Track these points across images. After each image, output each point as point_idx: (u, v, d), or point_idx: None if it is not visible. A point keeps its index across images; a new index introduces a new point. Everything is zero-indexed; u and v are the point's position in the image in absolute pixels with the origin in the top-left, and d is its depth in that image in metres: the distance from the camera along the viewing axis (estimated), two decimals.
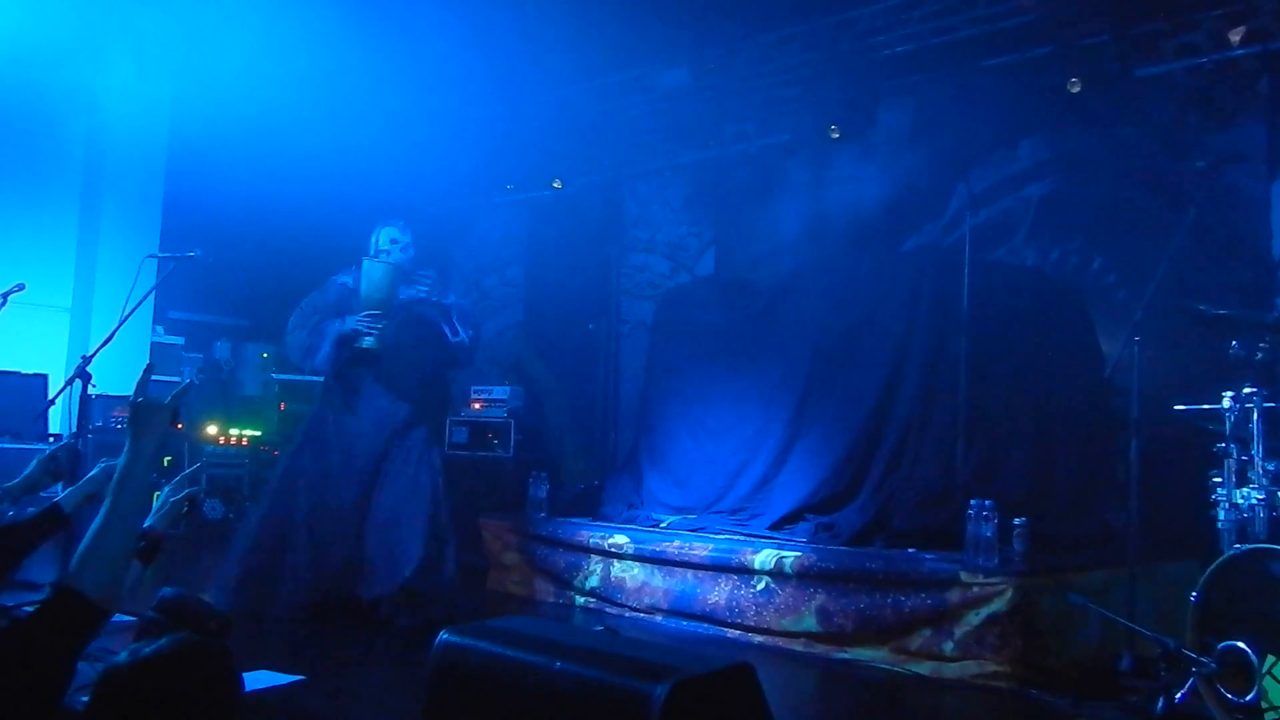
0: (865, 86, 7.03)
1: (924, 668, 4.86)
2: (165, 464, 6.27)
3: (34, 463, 3.10)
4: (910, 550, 5.54)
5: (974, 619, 4.74)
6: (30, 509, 2.98)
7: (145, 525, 2.40)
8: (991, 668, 4.66)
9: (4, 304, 5.93)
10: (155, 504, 2.49)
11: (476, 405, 8.24)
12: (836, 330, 6.64)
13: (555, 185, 8.62)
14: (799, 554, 5.50)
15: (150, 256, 6.29)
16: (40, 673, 1.75)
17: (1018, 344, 6.16)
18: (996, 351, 6.08)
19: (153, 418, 2.13)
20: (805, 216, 7.79)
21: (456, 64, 7.84)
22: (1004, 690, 4.58)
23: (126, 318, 5.40)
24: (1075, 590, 4.69)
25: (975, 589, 4.76)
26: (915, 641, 4.92)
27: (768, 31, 7.35)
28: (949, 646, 4.80)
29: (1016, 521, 5.12)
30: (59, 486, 3.29)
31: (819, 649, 5.22)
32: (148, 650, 1.85)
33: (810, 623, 5.27)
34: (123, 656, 1.80)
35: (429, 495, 5.62)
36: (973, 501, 5.01)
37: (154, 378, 2.23)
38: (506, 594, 6.77)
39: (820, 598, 5.26)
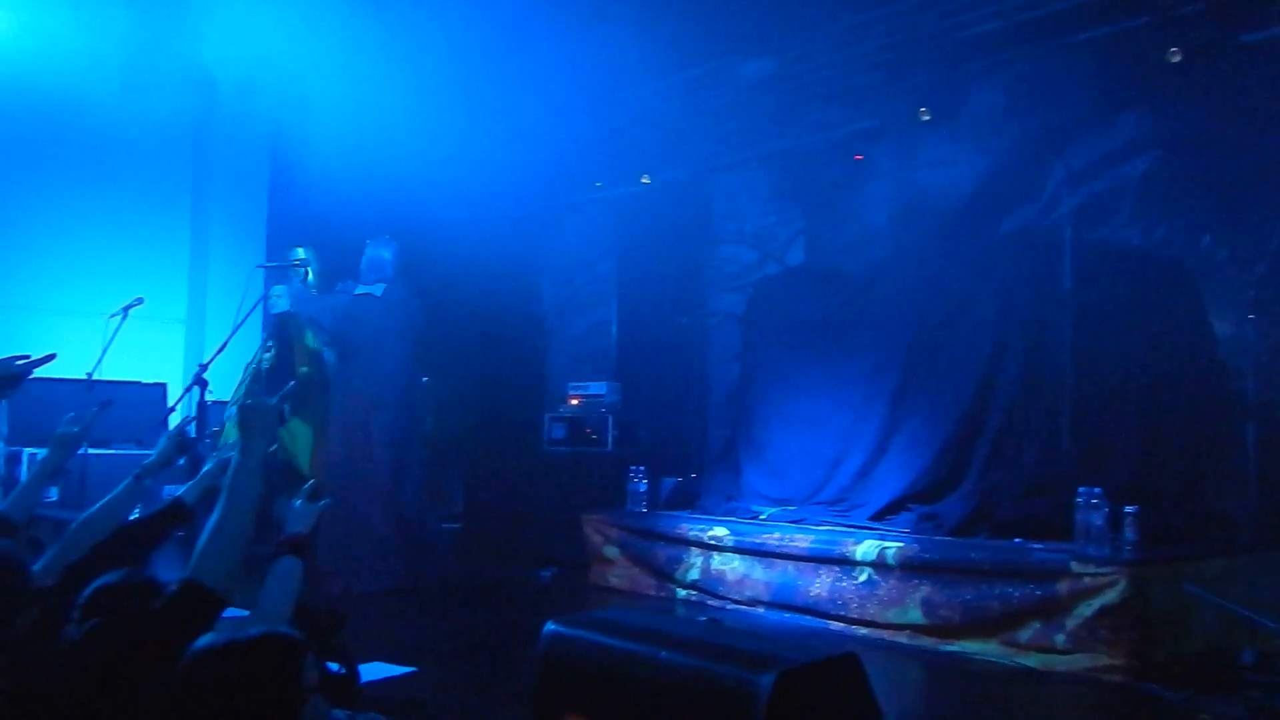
0: (954, 67, 6.89)
1: (1034, 661, 4.76)
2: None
3: (162, 441, 3.27)
4: (1016, 540, 5.43)
5: (1085, 610, 4.62)
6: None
7: (289, 531, 2.53)
8: (1105, 661, 4.54)
9: (125, 318, 6.25)
10: (292, 513, 2.62)
11: (574, 401, 8.33)
12: (932, 317, 6.54)
13: (643, 181, 8.65)
14: (902, 545, 5.45)
15: (259, 266, 6.55)
16: (169, 656, 1.84)
17: (1124, 326, 5.96)
18: (1102, 335, 5.90)
19: (261, 420, 2.24)
20: (895, 202, 7.66)
21: (542, 65, 7.94)
22: (1119, 684, 4.46)
23: (239, 326, 5.64)
24: (1190, 580, 4.54)
25: (1086, 580, 4.64)
26: (1025, 634, 4.83)
27: (849, 16, 7.26)
28: (1060, 639, 4.70)
29: (1127, 509, 4.98)
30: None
31: (925, 641, 5.16)
32: (237, 636, 1.93)
33: (915, 615, 5.21)
34: (206, 641, 1.87)
35: None
36: (1081, 489, 4.89)
37: None
38: (607, 587, 6.85)
39: (925, 589, 5.20)
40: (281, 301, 6.57)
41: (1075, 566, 4.70)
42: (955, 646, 5.05)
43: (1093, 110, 6.67)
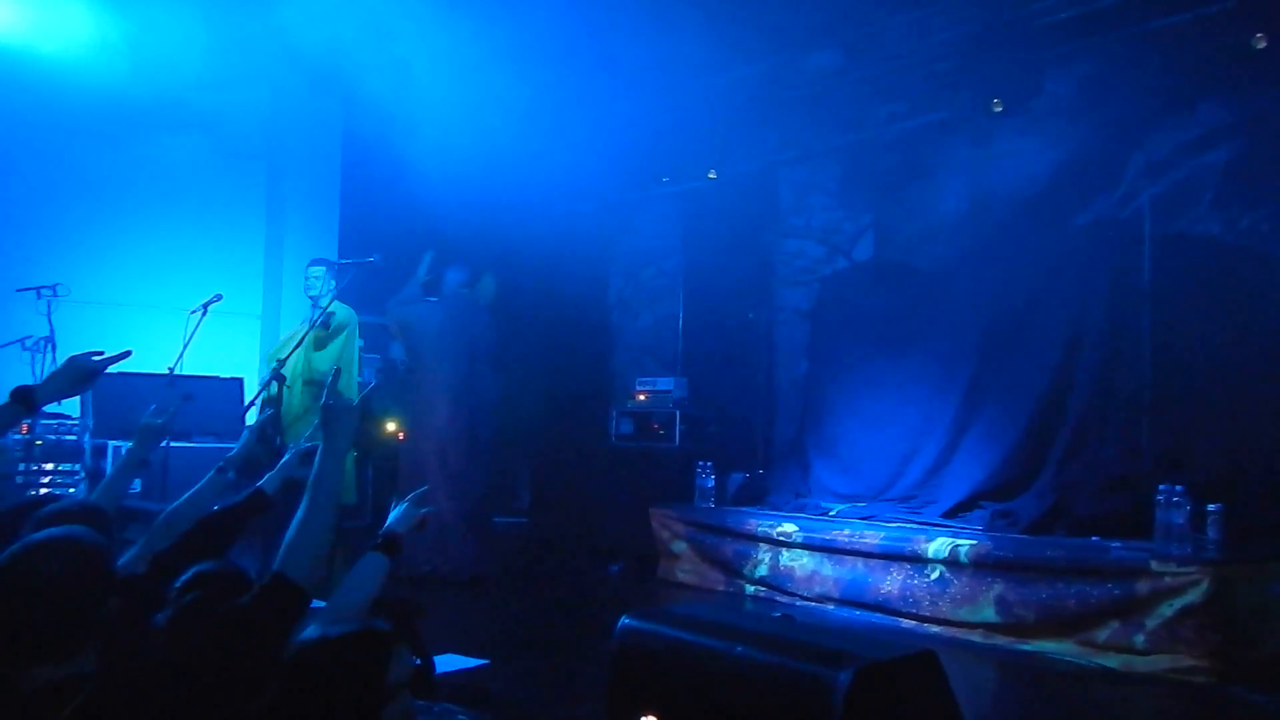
0: (1027, 57, 6.75)
1: (1113, 661, 4.67)
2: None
3: (245, 434, 3.35)
4: (1094, 538, 5.32)
5: (1166, 610, 4.52)
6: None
7: (386, 528, 2.59)
8: (1187, 662, 4.44)
9: (205, 314, 6.40)
10: (396, 511, 2.68)
11: (641, 396, 8.35)
12: (1006, 311, 6.43)
13: (710, 176, 8.63)
14: (975, 542, 5.37)
15: (332, 263, 6.66)
16: (258, 650, 1.89)
17: (1205, 319, 5.80)
18: (1182, 328, 5.75)
19: (343, 419, 2.28)
20: (966, 195, 7.54)
21: (607, 61, 7.96)
22: (1201, 686, 4.35)
23: (315, 323, 5.75)
24: (1277, 580, 4.41)
25: (1167, 579, 4.53)
26: (1103, 634, 4.73)
27: (917, 7, 7.16)
28: (1140, 639, 4.60)
29: (1210, 507, 4.85)
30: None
31: (999, 640, 5.08)
32: (335, 631, 1.97)
33: (989, 613, 5.13)
34: (308, 634, 1.92)
35: None
36: (1162, 486, 4.78)
37: None
38: (676, 582, 6.86)
39: (999, 587, 5.12)
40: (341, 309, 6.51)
41: (1156, 565, 4.59)
42: (1030, 646, 4.97)
43: (1171, 98, 6.49)
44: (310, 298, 6.33)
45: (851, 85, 7.54)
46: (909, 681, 2.49)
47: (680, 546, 6.97)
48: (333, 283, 6.31)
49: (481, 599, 6.16)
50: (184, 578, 2.37)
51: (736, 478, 7.66)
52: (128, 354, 2.82)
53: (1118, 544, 5.06)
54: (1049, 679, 4.64)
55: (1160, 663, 4.51)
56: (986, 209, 7.30)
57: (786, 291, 8.61)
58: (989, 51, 6.82)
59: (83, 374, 2.71)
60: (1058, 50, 6.77)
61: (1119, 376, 5.83)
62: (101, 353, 2.76)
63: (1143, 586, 4.60)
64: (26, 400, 2.62)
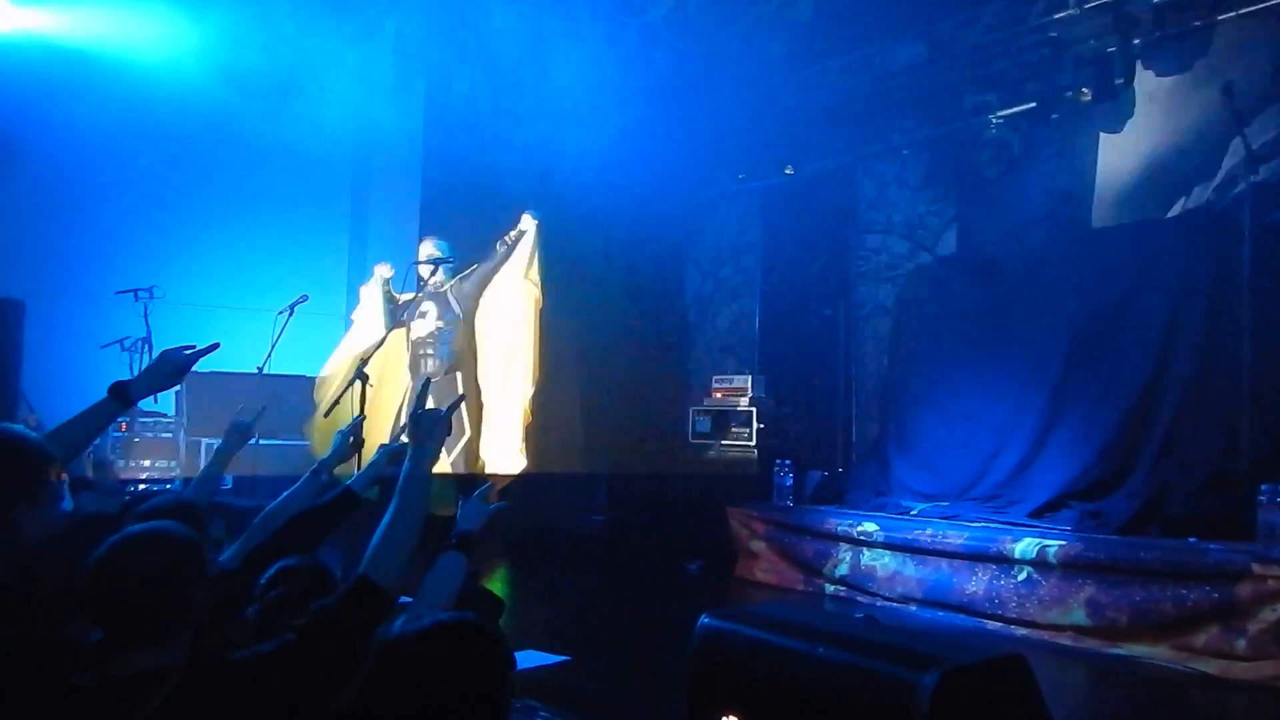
0: (1120, 44, 6.55)
1: (1211, 666, 4.49)
2: None
3: (336, 440, 3.43)
4: (1191, 540, 5.13)
5: (1270, 615, 4.34)
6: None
7: (463, 527, 2.62)
8: None
9: (292, 315, 6.57)
10: (465, 510, 2.71)
11: (718, 395, 8.31)
12: (1097, 306, 6.25)
13: (787, 171, 8.56)
14: (1064, 543, 5.23)
15: (414, 263, 6.77)
16: (341, 649, 1.92)
17: None
18: None
19: (432, 428, 2.33)
20: (1055, 188, 7.34)
21: (685, 58, 7.94)
22: None
23: (397, 324, 5.84)
24: None
25: (1270, 582, 4.36)
26: (1200, 638, 4.56)
27: None
28: (1241, 644, 4.42)
29: None
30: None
31: (1089, 643, 4.94)
32: (428, 622, 1.99)
33: (1079, 615, 4.99)
34: (400, 626, 1.95)
35: None
36: (1264, 486, 4.59)
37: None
38: (754, 581, 6.81)
39: (1089, 589, 4.97)
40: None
41: (1258, 568, 4.41)
42: (1122, 650, 4.82)
43: (1273, 85, 6.23)
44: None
45: (937, 77, 7.40)
46: (998, 685, 2.42)
47: (759, 545, 6.92)
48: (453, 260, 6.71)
49: (559, 595, 6.19)
50: (269, 573, 2.43)
51: (815, 476, 7.56)
52: (216, 347, 2.89)
53: (1217, 546, 4.87)
54: (1143, 684, 4.49)
55: (1263, 669, 4.33)
56: (1076, 202, 7.10)
57: (867, 288, 8.49)
58: (1079, 39, 6.63)
59: (174, 367, 2.78)
60: (1152, 36, 6.56)
61: (1218, 373, 5.61)
62: (193, 346, 2.82)
63: (1244, 590, 4.43)
64: (123, 395, 2.69)
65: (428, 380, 6.81)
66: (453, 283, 6.87)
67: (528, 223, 6.83)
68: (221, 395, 6.55)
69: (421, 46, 8.55)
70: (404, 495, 2.21)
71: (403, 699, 1.78)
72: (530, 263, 6.77)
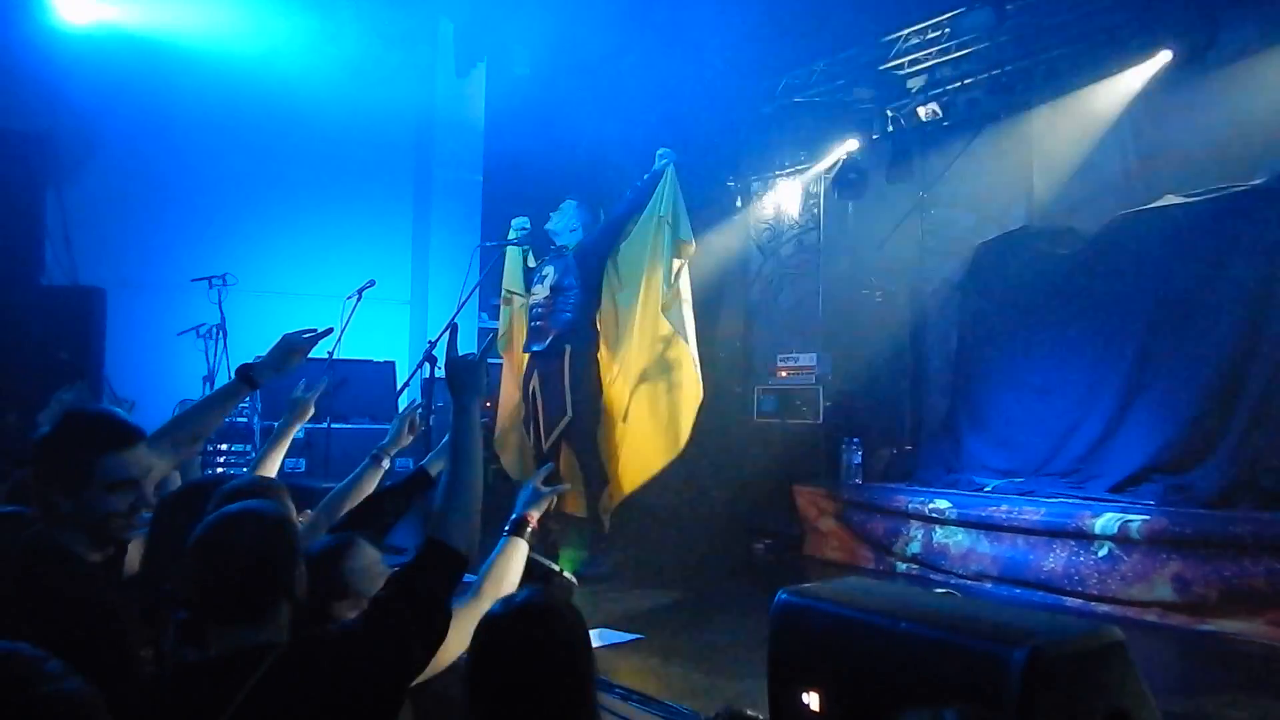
0: (1200, 3, 6.30)
1: None
2: None
3: (394, 423, 3.44)
4: None
5: None
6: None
7: (517, 512, 2.60)
8: None
9: (359, 300, 6.62)
10: (524, 494, 2.69)
11: (783, 373, 8.23)
12: (1180, 275, 6.04)
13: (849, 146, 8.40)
14: (1148, 517, 5.08)
15: (481, 246, 6.79)
16: (423, 615, 1.92)
17: None
18: None
19: (467, 375, 2.26)
20: (1132, 154, 7.10)
21: (741, 32, 7.85)
22: None
23: (464, 303, 5.86)
24: None
25: None
26: None
27: None
28: None
29: None
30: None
31: (1176, 620, 4.81)
32: (519, 600, 1.99)
33: (1164, 591, 4.85)
34: (498, 607, 1.95)
35: None
36: None
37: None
38: (824, 560, 6.75)
39: (1175, 565, 4.83)
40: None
41: None
42: (1212, 626, 4.68)
43: None
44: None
45: (1007, 42, 7.19)
46: (1090, 661, 2.35)
47: (828, 523, 6.84)
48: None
49: (628, 575, 6.16)
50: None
51: (883, 453, 7.44)
52: (329, 331, 3.07)
53: None
54: (1237, 661, 4.34)
55: None
56: (1155, 168, 6.86)
57: (935, 262, 8.31)
58: (1156, 2, 6.39)
59: (293, 349, 2.93)
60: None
61: None
62: (313, 330, 2.98)
63: None
64: (249, 378, 2.86)
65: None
66: (577, 243, 6.20)
67: (660, 161, 6.04)
68: (293, 381, 6.63)
69: (481, 31, 8.57)
70: (456, 451, 2.14)
71: (500, 677, 1.82)
72: (673, 208, 5.93)
